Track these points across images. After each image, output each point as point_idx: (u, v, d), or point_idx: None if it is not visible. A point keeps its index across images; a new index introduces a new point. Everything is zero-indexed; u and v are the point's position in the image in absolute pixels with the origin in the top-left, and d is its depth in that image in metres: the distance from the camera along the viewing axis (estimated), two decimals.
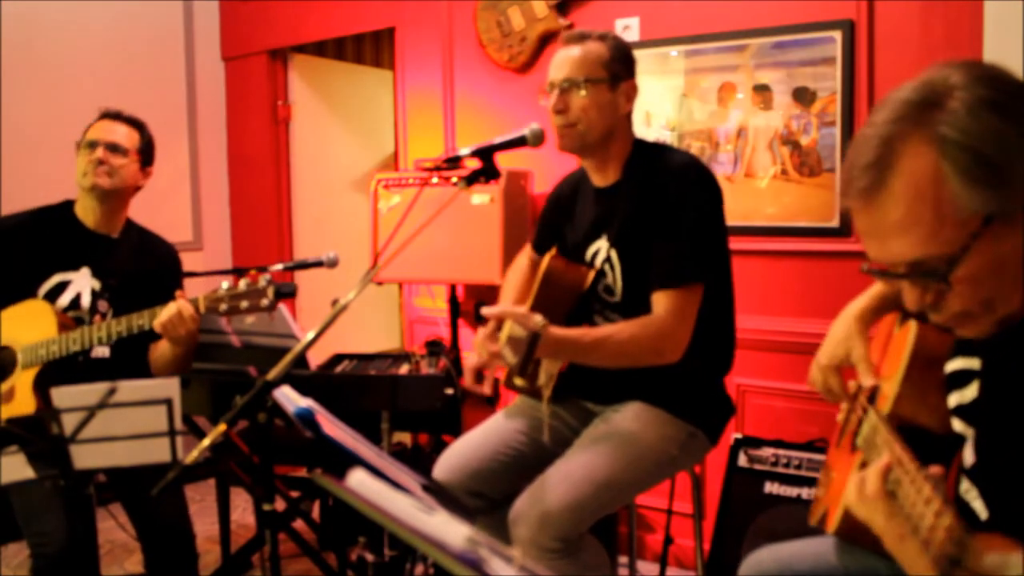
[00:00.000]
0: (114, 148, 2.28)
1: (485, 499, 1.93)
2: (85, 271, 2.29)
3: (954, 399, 1.09)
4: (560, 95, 1.87)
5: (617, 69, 1.89)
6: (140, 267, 2.35)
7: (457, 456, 1.97)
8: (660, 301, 1.79)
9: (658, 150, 1.94)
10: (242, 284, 2.01)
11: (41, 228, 2.31)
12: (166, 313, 2.03)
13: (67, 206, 2.35)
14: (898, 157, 0.90)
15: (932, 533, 0.84)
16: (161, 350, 2.22)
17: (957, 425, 1.08)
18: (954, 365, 1.10)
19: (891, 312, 1.44)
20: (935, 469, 0.90)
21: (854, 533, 1.23)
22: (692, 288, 1.80)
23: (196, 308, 2.04)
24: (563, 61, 1.89)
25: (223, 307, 2.01)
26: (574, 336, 1.76)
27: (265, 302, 1.99)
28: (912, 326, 1.26)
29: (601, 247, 1.95)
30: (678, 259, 1.79)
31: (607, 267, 1.93)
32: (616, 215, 1.92)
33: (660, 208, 1.82)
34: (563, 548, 1.73)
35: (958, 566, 0.81)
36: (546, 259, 1.99)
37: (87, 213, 2.33)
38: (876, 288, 1.46)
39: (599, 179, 1.98)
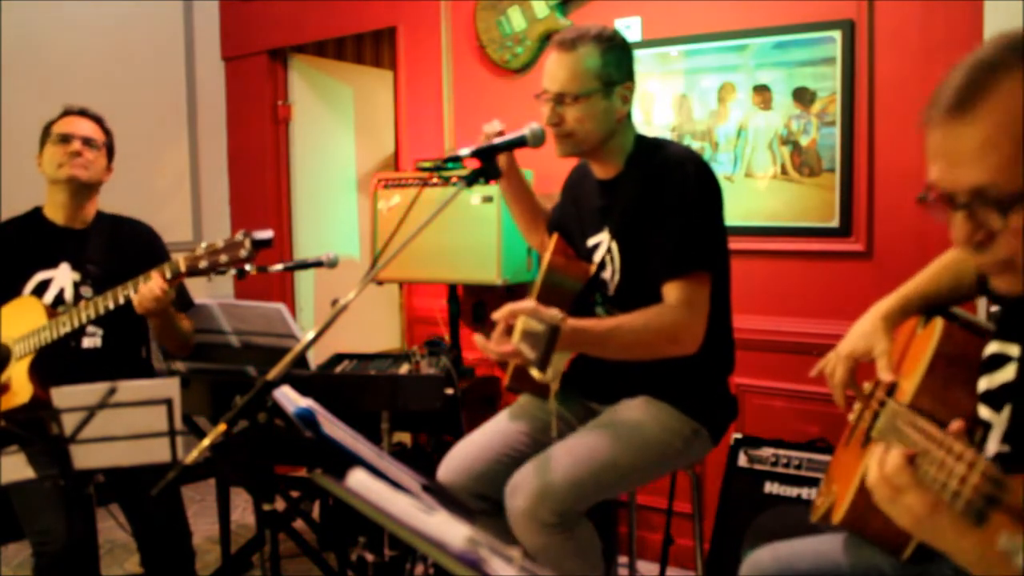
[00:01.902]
0: (89, 142, 2.29)
1: (489, 502, 1.92)
2: (64, 266, 2.31)
3: (983, 384, 1.08)
4: (554, 107, 1.87)
5: (611, 74, 1.86)
6: (118, 252, 2.36)
7: (460, 458, 1.97)
8: (669, 292, 1.79)
9: (658, 145, 1.94)
10: (219, 241, 2.06)
11: (14, 234, 2.33)
12: (141, 306, 2.08)
13: (35, 212, 2.38)
14: (996, 83, 0.88)
15: (963, 484, 0.84)
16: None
17: (983, 412, 1.07)
18: (989, 349, 1.08)
19: (914, 315, 1.45)
20: (955, 425, 0.91)
21: (860, 523, 1.23)
22: (699, 276, 1.79)
23: (174, 275, 2.09)
24: (555, 71, 1.86)
25: (203, 264, 2.06)
26: (588, 325, 1.73)
27: (243, 253, 2.03)
28: (938, 323, 1.25)
29: (603, 239, 1.95)
30: (681, 249, 1.79)
31: (607, 260, 1.94)
32: (616, 207, 1.92)
33: (659, 200, 1.82)
34: (559, 523, 1.73)
35: (995, 504, 0.81)
36: (548, 256, 1.99)
37: (56, 211, 2.34)
38: (903, 290, 1.46)
39: (601, 172, 1.98)
